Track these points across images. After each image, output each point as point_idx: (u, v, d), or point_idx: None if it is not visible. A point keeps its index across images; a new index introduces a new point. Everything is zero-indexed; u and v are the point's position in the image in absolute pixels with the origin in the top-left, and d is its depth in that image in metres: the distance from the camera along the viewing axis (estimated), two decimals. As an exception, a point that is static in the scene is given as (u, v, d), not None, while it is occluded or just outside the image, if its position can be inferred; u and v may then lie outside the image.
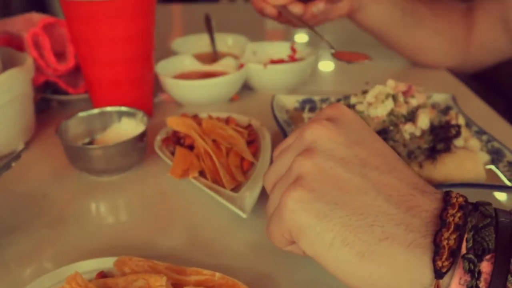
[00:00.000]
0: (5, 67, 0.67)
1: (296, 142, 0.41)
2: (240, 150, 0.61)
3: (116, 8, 0.65)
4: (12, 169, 0.58)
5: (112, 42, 0.68)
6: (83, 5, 0.65)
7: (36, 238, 0.52)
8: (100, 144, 0.65)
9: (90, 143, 0.66)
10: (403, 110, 0.65)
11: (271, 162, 0.48)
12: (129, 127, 0.66)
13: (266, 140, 0.65)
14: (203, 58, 0.91)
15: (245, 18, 1.40)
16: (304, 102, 0.75)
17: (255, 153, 0.63)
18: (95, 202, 0.59)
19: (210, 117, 0.67)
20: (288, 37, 1.27)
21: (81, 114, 0.66)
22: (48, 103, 0.81)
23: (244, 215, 0.51)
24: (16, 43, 0.73)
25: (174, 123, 0.63)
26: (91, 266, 0.43)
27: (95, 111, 0.66)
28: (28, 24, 0.73)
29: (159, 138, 0.65)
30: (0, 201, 0.54)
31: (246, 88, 0.86)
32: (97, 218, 0.56)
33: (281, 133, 0.66)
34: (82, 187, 0.61)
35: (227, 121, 0.69)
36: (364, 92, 0.67)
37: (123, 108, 0.66)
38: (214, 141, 0.61)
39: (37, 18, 0.73)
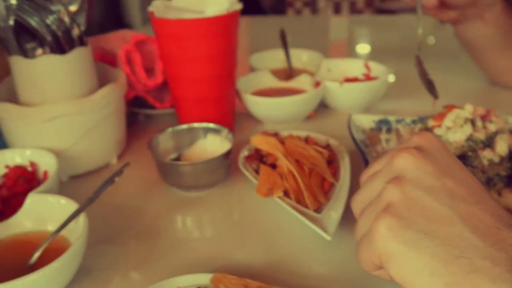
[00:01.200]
0: (100, 82, 0.73)
1: (385, 169, 0.43)
2: (322, 170, 0.63)
3: (203, 27, 0.69)
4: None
5: (198, 60, 0.72)
6: (173, 24, 0.70)
7: (126, 249, 0.57)
8: (187, 159, 0.69)
9: (178, 158, 0.70)
10: (482, 135, 0.65)
11: (351, 182, 0.50)
12: (214, 143, 0.69)
13: (345, 161, 0.67)
14: (278, 73, 0.94)
15: (310, 30, 1.43)
16: (380, 123, 0.77)
17: (335, 173, 0.65)
18: (183, 216, 0.62)
19: (291, 136, 0.70)
20: (351, 50, 1.29)
21: (170, 129, 0.70)
22: (135, 116, 0.86)
23: (328, 237, 0.53)
24: (109, 59, 0.79)
25: (258, 141, 0.66)
26: (188, 281, 0.47)
27: (184, 126, 0.71)
28: (121, 41, 0.78)
29: (242, 155, 0.68)
30: (95, 212, 0.59)
31: (322, 105, 0.89)
32: (184, 232, 0.60)
33: (359, 153, 0.68)
34: (171, 201, 0.65)
35: (306, 140, 0.71)
36: (441, 115, 0.68)
37: (210, 125, 0.70)
38: (296, 161, 0.64)
39: (129, 35, 0.79)
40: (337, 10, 3.21)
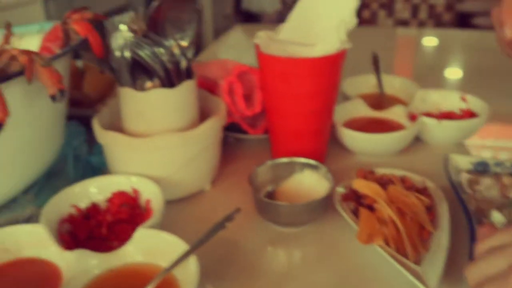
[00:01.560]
0: (200, 108, 0.74)
1: (510, 250, 0.42)
2: (421, 219, 0.63)
3: (310, 66, 0.70)
4: (202, 208, 0.66)
5: (300, 96, 0.72)
6: (279, 61, 0.70)
7: (231, 285, 0.58)
8: (283, 192, 0.70)
9: (273, 191, 0.71)
10: None
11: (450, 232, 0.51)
12: (311, 179, 0.70)
13: (443, 207, 0.66)
14: (369, 99, 0.93)
15: (392, 48, 1.40)
16: (478, 165, 0.75)
17: (433, 220, 0.65)
18: (279, 251, 0.64)
19: (392, 183, 0.69)
20: (438, 71, 1.26)
21: (270, 162, 0.71)
22: (226, 138, 0.87)
23: (431, 293, 0.53)
24: (208, 85, 0.81)
25: (360, 186, 0.66)
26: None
27: (283, 160, 0.72)
28: (222, 70, 0.80)
29: (338, 192, 0.69)
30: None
31: (415, 138, 0.87)
32: (282, 268, 0.61)
33: (458, 200, 0.67)
34: (266, 235, 0.66)
35: (403, 181, 0.71)
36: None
37: (310, 161, 0.71)
38: (398, 208, 0.63)
39: (231, 65, 0.80)
40: (414, 13, 3.13)
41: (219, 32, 3.88)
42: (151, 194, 0.67)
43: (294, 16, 0.77)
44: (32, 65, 0.58)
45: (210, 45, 1.73)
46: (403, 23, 3.11)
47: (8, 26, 0.59)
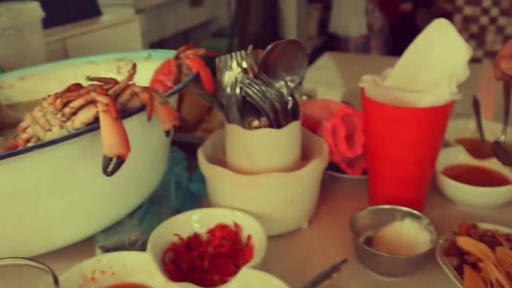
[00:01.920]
0: (303, 147, 0.75)
1: None
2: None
3: (416, 116, 0.69)
4: (299, 246, 0.66)
5: (404, 144, 0.71)
6: (387, 109, 0.70)
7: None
8: (382, 239, 0.69)
9: (372, 237, 0.71)
10: None
11: None
12: (412, 229, 0.69)
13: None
14: (469, 145, 0.91)
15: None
16: None
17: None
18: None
19: (497, 241, 0.67)
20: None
21: (371, 208, 0.71)
22: (323, 176, 0.87)
23: None
24: (310, 123, 0.82)
25: (466, 244, 0.64)
26: None
27: (385, 207, 0.71)
28: (325, 110, 0.80)
29: (440, 245, 0.67)
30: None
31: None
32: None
33: None
34: (366, 283, 0.66)
35: (508, 239, 0.68)
36: None
37: (412, 211, 0.70)
38: (507, 272, 0.61)
39: (334, 106, 0.81)
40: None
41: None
42: (252, 230, 0.68)
43: (403, 62, 0.76)
44: (152, 102, 0.61)
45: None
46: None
47: (134, 66, 0.62)
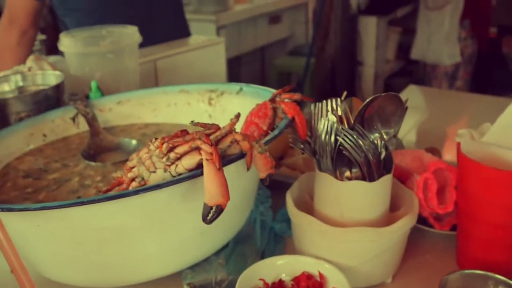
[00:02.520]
0: (392, 197, 0.74)
1: None
2: None
3: (516, 179, 0.67)
4: None
5: (503, 206, 0.69)
6: (485, 170, 0.68)
7: None
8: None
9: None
10: None
11: None
12: (503, 298, 0.67)
13: None
14: None
15: None
16: None
17: None
18: None
19: None
20: None
21: (462, 272, 0.69)
22: (408, 227, 0.87)
23: None
24: (399, 173, 0.81)
25: None
26: None
27: (478, 272, 0.69)
28: (417, 162, 0.80)
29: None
30: None
31: None
32: None
33: None
34: None
35: None
36: None
37: (509, 282, 0.67)
38: None
39: (427, 158, 0.80)
40: None
41: (378, 76, 3.86)
42: (337, 283, 0.68)
43: (504, 118, 0.74)
44: (252, 151, 0.62)
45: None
46: None
47: (237, 116, 0.64)
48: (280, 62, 4.59)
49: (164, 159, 0.59)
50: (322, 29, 3.56)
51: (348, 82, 3.70)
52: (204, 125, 0.62)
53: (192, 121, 0.62)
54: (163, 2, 1.87)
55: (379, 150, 0.71)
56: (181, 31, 1.92)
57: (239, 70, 5.07)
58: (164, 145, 0.59)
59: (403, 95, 1.72)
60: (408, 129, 1.23)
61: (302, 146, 0.74)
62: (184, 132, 0.60)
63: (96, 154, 0.95)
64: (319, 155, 0.73)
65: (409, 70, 4.54)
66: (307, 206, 0.79)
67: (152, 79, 1.55)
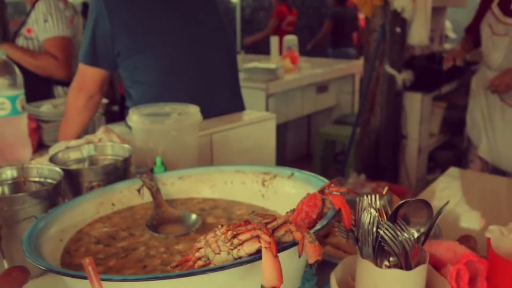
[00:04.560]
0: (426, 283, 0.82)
1: None
2: None
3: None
4: None
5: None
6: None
7: None
8: None
9: None
10: None
11: None
12: None
13: None
14: None
15: None
16: None
17: None
18: None
19: None
20: None
21: None
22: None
23: None
24: (434, 261, 0.88)
25: None
26: None
27: None
28: (450, 253, 0.87)
29: None
30: None
31: None
32: None
33: None
34: None
35: None
36: None
37: None
38: None
39: (460, 250, 0.87)
40: None
41: (421, 150, 3.92)
42: None
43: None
44: (303, 241, 0.72)
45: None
46: None
47: (292, 211, 0.74)
48: (326, 130, 4.72)
49: (228, 244, 0.69)
50: (368, 102, 3.68)
51: (392, 154, 3.77)
52: (263, 216, 0.72)
53: (252, 212, 0.73)
54: (222, 78, 2.03)
55: (415, 242, 0.79)
56: (236, 105, 2.07)
57: (285, 135, 5.22)
58: (229, 232, 0.69)
59: (443, 178, 1.79)
60: (447, 213, 1.30)
61: (346, 234, 0.83)
62: (247, 222, 0.70)
63: (159, 225, 1.06)
64: (362, 242, 0.81)
65: (453, 144, 4.58)
66: (349, 287, 0.87)
67: (207, 151, 1.68)
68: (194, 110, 1.41)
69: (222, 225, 0.72)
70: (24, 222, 1.04)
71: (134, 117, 1.38)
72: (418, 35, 3.46)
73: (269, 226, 0.72)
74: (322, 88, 4.92)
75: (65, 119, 2.12)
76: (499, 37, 2.97)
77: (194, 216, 1.07)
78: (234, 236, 0.69)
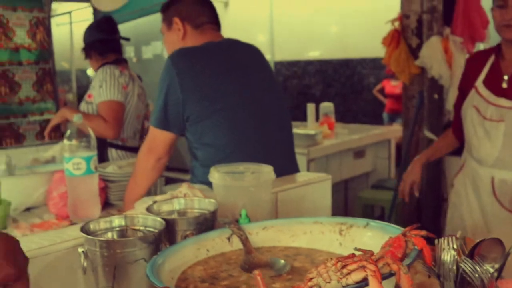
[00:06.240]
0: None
1: None
2: None
3: None
4: None
5: None
6: None
7: None
8: None
9: None
10: None
11: None
12: None
13: None
14: None
15: None
16: None
17: None
18: None
19: None
20: None
21: None
22: None
23: None
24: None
25: None
26: None
27: None
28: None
29: None
30: None
31: None
32: None
33: None
34: None
35: None
36: None
37: None
38: None
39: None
40: None
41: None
42: None
43: None
44: (399, 272, 0.86)
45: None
46: None
47: (386, 246, 0.88)
48: (365, 194, 4.83)
49: (338, 273, 0.84)
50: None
51: (434, 218, 3.84)
52: (364, 251, 0.87)
53: (355, 248, 0.87)
54: (280, 140, 2.21)
55: (492, 276, 0.92)
56: (293, 166, 2.24)
57: (324, 199, 5.31)
58: (339, 264, 0.84)
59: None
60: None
61: (429, 271, 0.97)
62: (352, 255, 0.85)
63: (251, 269, 1.20)
64: (443, 277, 0.94)
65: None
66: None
67: (273, 207, 1.83)
68: (268, 169, 1.58)
69: (331, 258, 0.86)
70: (134, 264, 1.19)
71: (215, 174, 1.55)
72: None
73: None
74: (359, 153, 5.07)
75: (133, 179, 2.28)
76: (491, 122, 2.32)
77: (282, 261, 1.20)
78: (343, 267, 0.84)
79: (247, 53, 2.30)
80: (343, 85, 7.63)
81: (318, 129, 4.69)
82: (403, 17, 3.69)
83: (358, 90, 7.31)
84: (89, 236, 1.22)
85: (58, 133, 3.60)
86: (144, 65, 7.71)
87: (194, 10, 2.25)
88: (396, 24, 3.73)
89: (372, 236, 1.20)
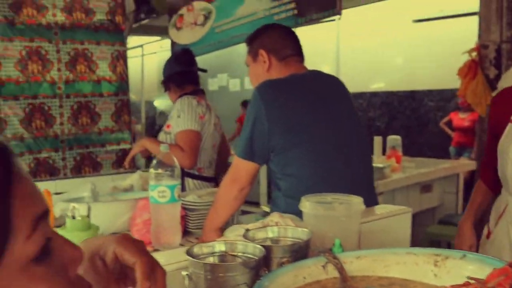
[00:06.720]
0: None
1: None
2: None
3: None
4: None
5: None
6: None
7: None
8: None
9: None
10: None
11: None
12: None
13: None
14: None
15: None
16: None
17: None
18: None
19: None
20: None
21: None
22: None
23: None
24: None
25: None
26: None
27: None
28: None
29: None
30: None
31: None
32: None
33: None
34: None
35: None
36: None
37: None
38: None
39: None
40: None
41: None
42: None
43: None
44: (512, 302, 0.88)
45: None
46: None
47: (482, 281, 0.92)
48: (432, 230, 4.75)
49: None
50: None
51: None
52: (477, 279, 0.90)
53: (467, 276, 0.91)
54: (361, 172, 2.25)
55: None
56: (373, 197, 2.27)
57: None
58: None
59: None
60: None
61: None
62: (467, 283, 0.89)
63: (349, 297, 1.24)
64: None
65: None
66: None
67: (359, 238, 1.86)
68: (358, 200, 1.63)
69: (444, 286, 0.90)
70: (235, 288, 1.26)
71: (306, 204, 1.61)
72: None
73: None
74: (426, 187, 5.01)
75: (214, 208, 2.36)
76: None
77: (379, 290, 1.24)
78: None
79: (329, 84, 2.37)
80: (409, 117, 7.58)
81: (385, 162, 4.68)
82: (481, 47, 3.66)
83: (424, 123, 7.23)
84: (195, 259, 1.30)
85: (132, 163, 3.76)
86: (210, 97, 7.92)
87: (279, 43, 2.34)
88: (473, 54, 3.69)
89: (469, 267, 1.22)
